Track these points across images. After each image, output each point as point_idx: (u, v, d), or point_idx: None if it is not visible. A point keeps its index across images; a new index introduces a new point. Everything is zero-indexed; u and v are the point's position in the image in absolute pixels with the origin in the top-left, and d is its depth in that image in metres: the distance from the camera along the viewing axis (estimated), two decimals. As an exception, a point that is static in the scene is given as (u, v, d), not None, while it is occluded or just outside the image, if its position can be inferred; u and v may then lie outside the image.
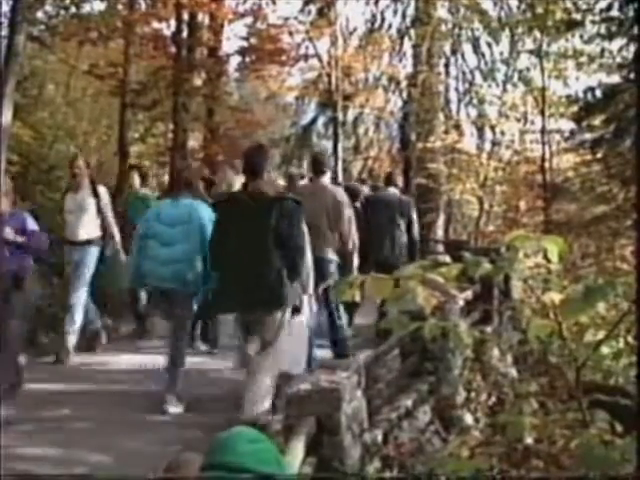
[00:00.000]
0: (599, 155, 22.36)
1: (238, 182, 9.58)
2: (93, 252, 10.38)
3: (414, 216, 11.47)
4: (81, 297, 10.26)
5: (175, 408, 8.02)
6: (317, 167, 10.01)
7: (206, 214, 8.11)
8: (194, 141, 24.18)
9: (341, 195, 9.82)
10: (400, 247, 11.13)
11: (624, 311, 4.20)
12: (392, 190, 11.77)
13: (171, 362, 8.21)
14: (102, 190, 10.61)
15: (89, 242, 10.37)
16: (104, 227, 10.51)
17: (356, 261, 9.86)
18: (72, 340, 10.11)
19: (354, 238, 9.76)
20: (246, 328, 6.99)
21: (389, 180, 12.08)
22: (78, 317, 10.19)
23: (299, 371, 7.24)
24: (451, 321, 7.33)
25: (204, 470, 2.83)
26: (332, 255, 9.49)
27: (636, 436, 3.78)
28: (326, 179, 10.09)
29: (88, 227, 10.40)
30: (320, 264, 8.58)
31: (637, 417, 4.52)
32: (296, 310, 7.00)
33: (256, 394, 6.71)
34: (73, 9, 17.60)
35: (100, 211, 10.44)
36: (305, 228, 7.15)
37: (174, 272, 8.09)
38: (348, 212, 9.68)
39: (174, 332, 8.37)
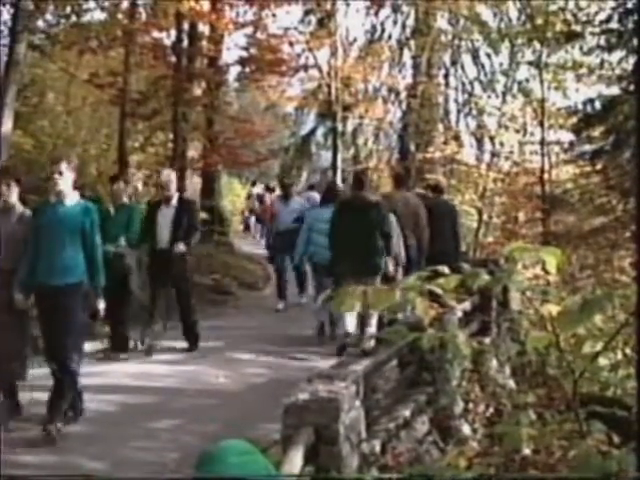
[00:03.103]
0: (598, 167, 22.36)
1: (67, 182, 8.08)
2: None
3: (459, 219, 14.20)
4: None
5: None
6: (399, 181, 13.01)
7: None
8: (193, 151, 24.19)
9: (420, 202, 12.64)
10: (450, 244, 13.11)
11: (622, 323, 4.21)
12: (444, 198, 14.22)
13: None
14: None
15: None
16: None
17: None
18: None
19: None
20: None
21: (438, 189, 14.33)
22: None
23: None
24: (449, 332, 7.34)
25: None
26: (413, 241, 12.15)
27: (635, 445, 3.80)
28: (405, 190, 13.05)
29: None
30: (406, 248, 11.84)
31: (638, 425, 4.53)
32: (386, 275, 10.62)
33: (371, 327, 10.20)
34: (73, 18, 17.70)
35: None
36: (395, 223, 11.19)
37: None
38: (423, 213, 12.32)
39: (323, 287, 12.10)
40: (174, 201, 11.36)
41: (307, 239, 12.77)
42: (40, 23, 16.97)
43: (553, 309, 3.92)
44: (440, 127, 32.06)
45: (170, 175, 11.75)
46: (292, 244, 14.03)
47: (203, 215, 22.66)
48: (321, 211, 12.61)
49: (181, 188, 16.78)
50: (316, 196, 29.92)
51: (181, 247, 11.10)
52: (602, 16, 21.62)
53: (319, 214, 12.54)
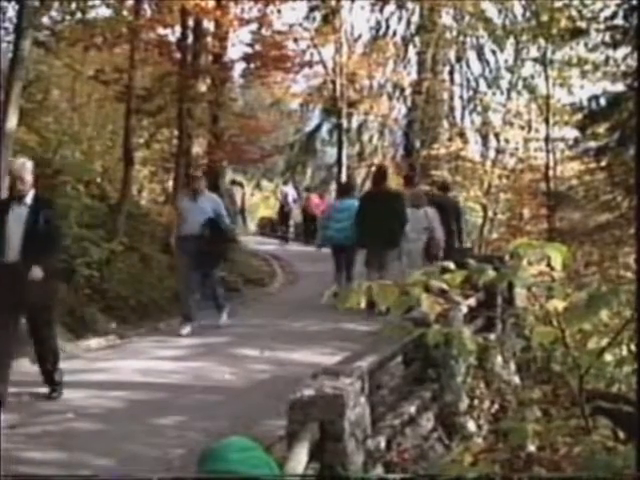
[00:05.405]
0: (603, 163, 22.34)
1: None
2: None
3: (462, 214, 16.19)
4: None
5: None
6: (410, 180, 16.17)
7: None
8: (199, 147, 24.20)
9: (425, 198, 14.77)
10: (455, 235, 15.05)
11: (627, 318, 4.21)
12: (449, 195, 16.22)
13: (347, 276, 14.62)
14: None
15: None
16: None
17: None
18: None
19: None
20: (374, 261, 13.45)
21: (445, 187, 16.35)
22: None
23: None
24: (455, 328, 7.34)
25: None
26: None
27: (637, 441, 3.79)
28: (420, 188, 16.03)
29: None
30: None
31: (638, 424, 4.53)
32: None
33: None
34: (79, 15, 17.63)
35: None
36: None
37: (344, 236, 14.15)
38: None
39: (342, 266, 14.63)
40: (28, 199, 8.67)
41: (325, 226, 14.96)
42: (45, 20, 16.91)
43: (558, 305, 3.93)
44: (445, 124, 32.10)
45: (25, 164, 8.81)
46: (202, 255, 12.26)
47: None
48: (337, 202, 15.48)
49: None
50: (288, 190, 30.09)
51: (37, 273, 8.36)
52: (607, 13, 21.63)
53: (337, 205, 15.20)
